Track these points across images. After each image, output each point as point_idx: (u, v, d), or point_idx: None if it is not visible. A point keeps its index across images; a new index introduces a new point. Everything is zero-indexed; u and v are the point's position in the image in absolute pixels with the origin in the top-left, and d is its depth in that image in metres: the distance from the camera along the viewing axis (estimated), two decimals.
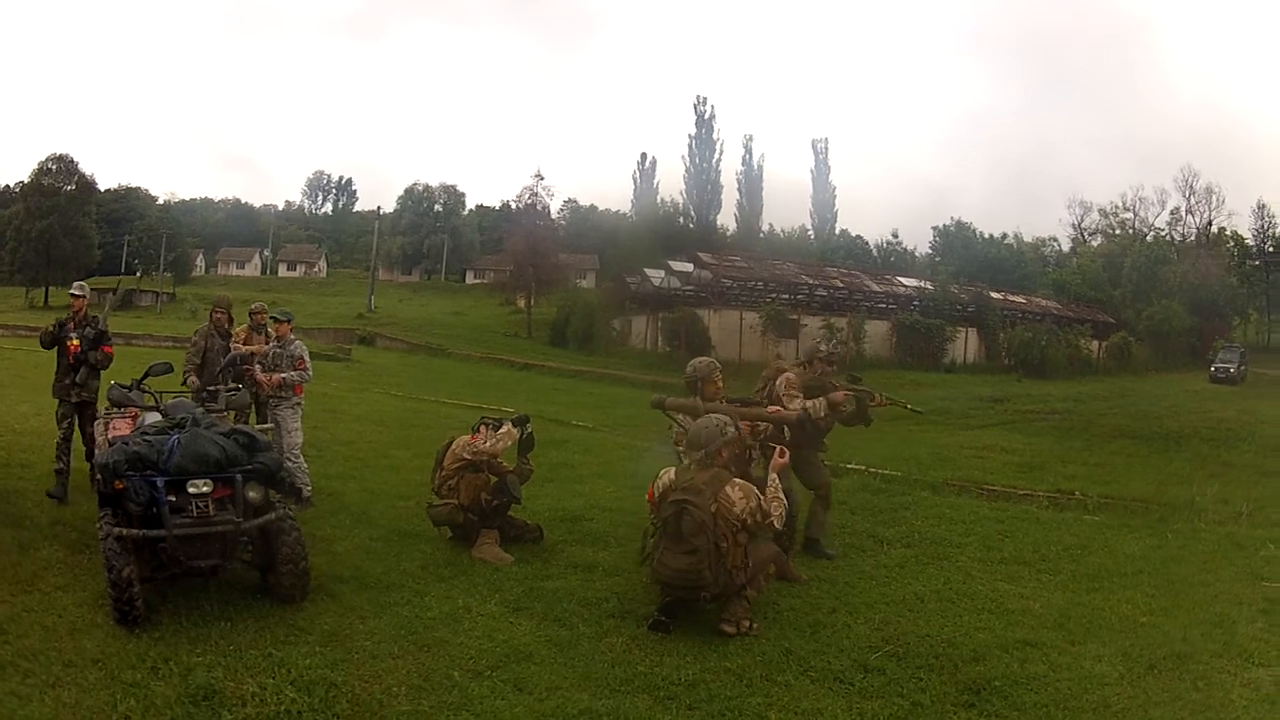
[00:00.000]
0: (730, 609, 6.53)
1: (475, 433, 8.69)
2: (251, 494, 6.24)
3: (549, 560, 8.13)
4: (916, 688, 5.69)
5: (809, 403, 8.29)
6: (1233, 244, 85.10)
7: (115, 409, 7.84)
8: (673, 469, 6.81)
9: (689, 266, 57.93)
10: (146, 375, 8.33)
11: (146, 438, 6.27)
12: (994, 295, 63.65)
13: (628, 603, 6.95)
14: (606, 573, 7.72)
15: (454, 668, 5.56)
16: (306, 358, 10.72)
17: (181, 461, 6.05)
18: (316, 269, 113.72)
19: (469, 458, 8.41)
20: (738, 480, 6.61)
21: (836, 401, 8.52)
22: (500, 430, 8.54)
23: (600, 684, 5.52)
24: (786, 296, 56.39)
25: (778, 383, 8.48)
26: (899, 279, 66.20)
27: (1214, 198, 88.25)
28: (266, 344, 11.98)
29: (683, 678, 5.67)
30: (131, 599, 5.63)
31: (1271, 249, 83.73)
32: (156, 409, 7.65)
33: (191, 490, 6.02)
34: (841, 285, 60.16)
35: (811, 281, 59.33)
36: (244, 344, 13.10)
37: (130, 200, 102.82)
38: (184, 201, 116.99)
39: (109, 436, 7.14)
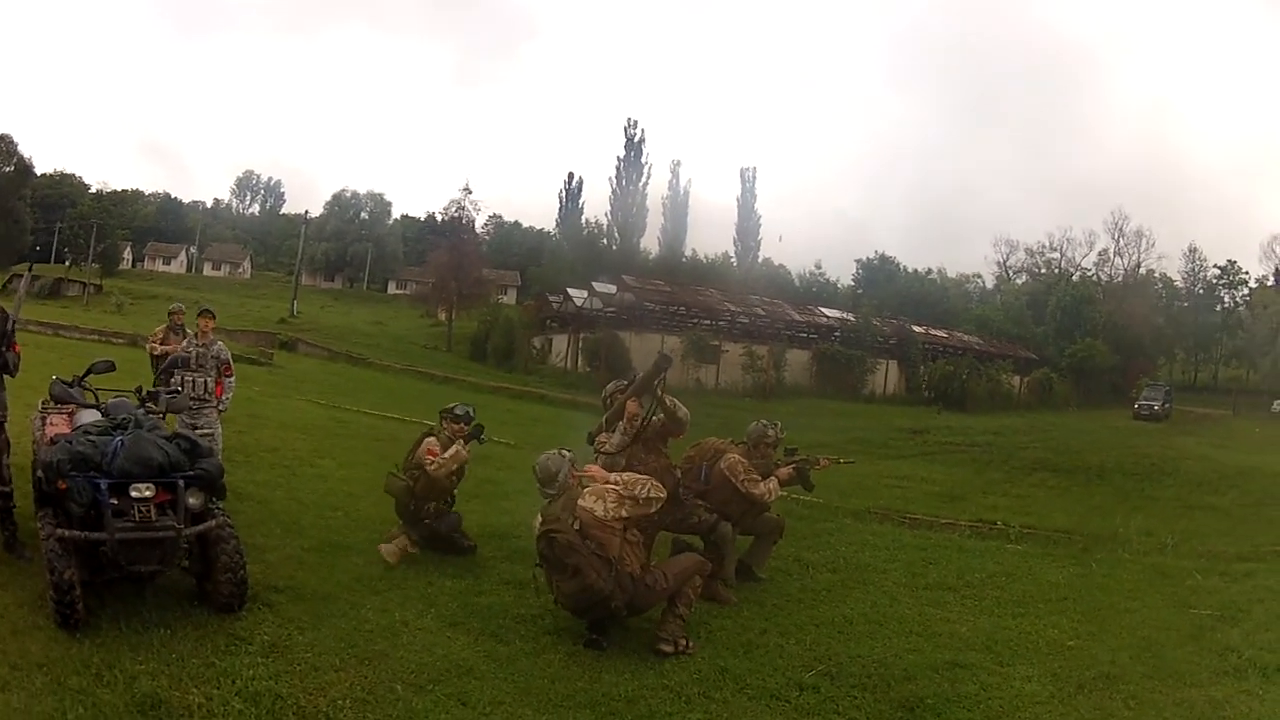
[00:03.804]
0: (665, 627, 6.64)
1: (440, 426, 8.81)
2: (192, 500, 6.15)
3: (481, 576, 8.14)
4: (851, 705, 5.85)
5: (770, 484, 8.44)
6: (1161, 285, 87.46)
7: (55, 405, 7.67)
8: (540, 512, 6.89)
9: (612, 288, 58.02)
10: (88, 372, 8.10)
11: (90, 437, 6.15)
12: (916, 329, 64.64)
13: (562, 619, 6.96)
14: (539, 589, 7.75)
15: (396, 681, 5.56)
16: (231, 362, 10.68)
17: (124, 464, 5.94)
18: (241, 270, 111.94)
19: (429, 472, 8.43)
20: (589, 489, 6.72)
21: (785, 480, 8.70)
22: (449, 453, 8.52)
23: (542, 700, 5.57)
24: (709, 322, 56.82)
25: (725, 465, 8.43)
26: (821, 310, 66.88)
27: (1144, 240, 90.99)
28: (184, 343, 11.87)
29: (622, 694, 5.75)
30: (73, 602, 5.55)
31: (1201, 291, 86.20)
32: (96, 407, 7.49)
33: (134, 494, 5.91)
34: (764, 313, 60.58)
35: (734, 308, 59.73)
36: (160, 344, 12.99)
37: (64, 187, 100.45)
38: (116, 192, 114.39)
39: (48, 434, 6.98)
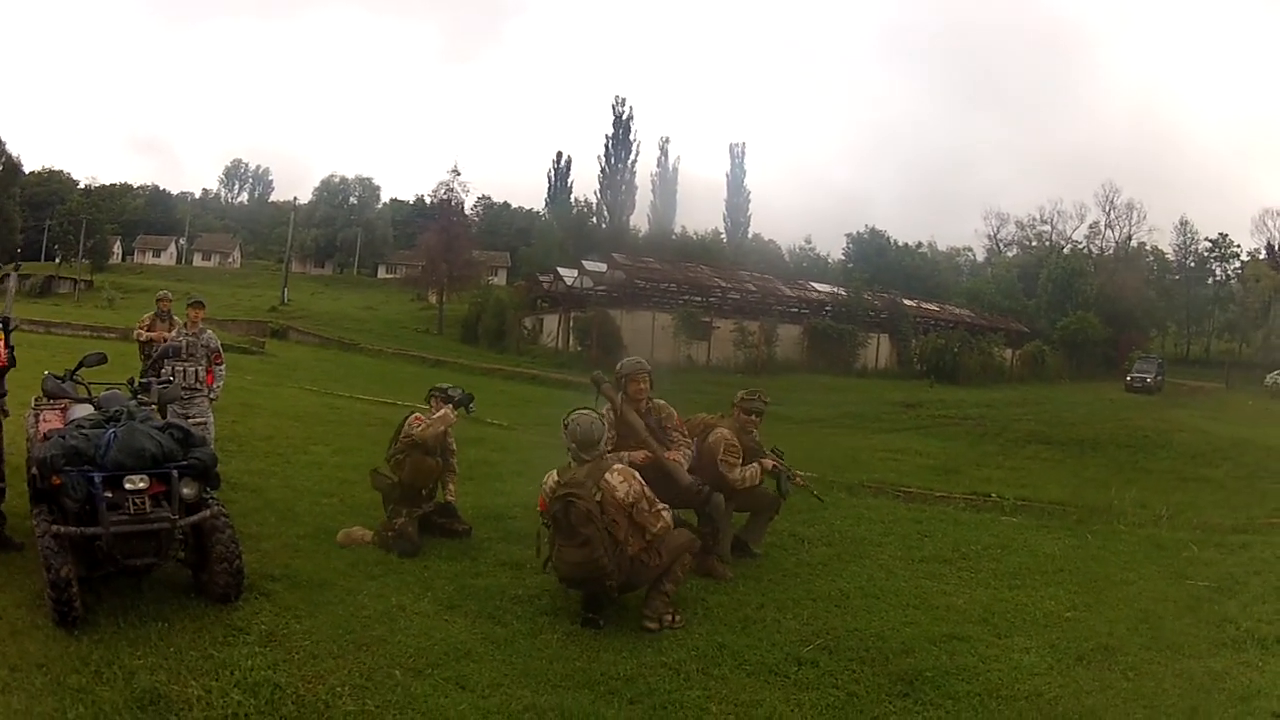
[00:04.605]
0: (651, 604, 6.64)
1: (429, 404, 8.81)
2: (186, 490, 6.11)
3: (477, 558, 8.12)
4: (850, 679, 5.85)
5: (747, 471, 8.33)
6: (1152, 258, 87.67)
7: (47, 400, 7.63)
8: (555, 471, 6.85)
9: (603, 267, 58.09)
10: (80, 366, 8.03)
11: (83, 431, 6.11)
12: (907, 303, 64.80)
13: (558, 599, 6.97)
14: (535, 570, 7.64)
15: (395, 666, 5.53)
16: (221, 350, 10.72)
17: (118, 456, 5.90)
18: (231, 259, 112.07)
19: (414, 436, 8.40)
20: (617, 466, 6.71)
21: (768, 470, 8.55)
22: (437, 414, 8.53)
23: (541, 680, 5.56)
24: (699, 299, 56.91)
25: (711, 440, 8.36)
26: (812, 284, 66.96)
27: (1135, 213, 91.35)
28: (171, 330, 11.93)
29: (620, 672, 5.74)
30: (70, 599, 5.49)
31: (1193, 264, 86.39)
32: (89, 401, 7.45)
33: (128, 486, 5.87)
34: (754, 289, 60.71)
35: (725, 285, 59.79)
36: (147, 330, 13.05)
37: (52, 184, 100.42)
38: (104, 186, 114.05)
39: (41, 430, 6.95)
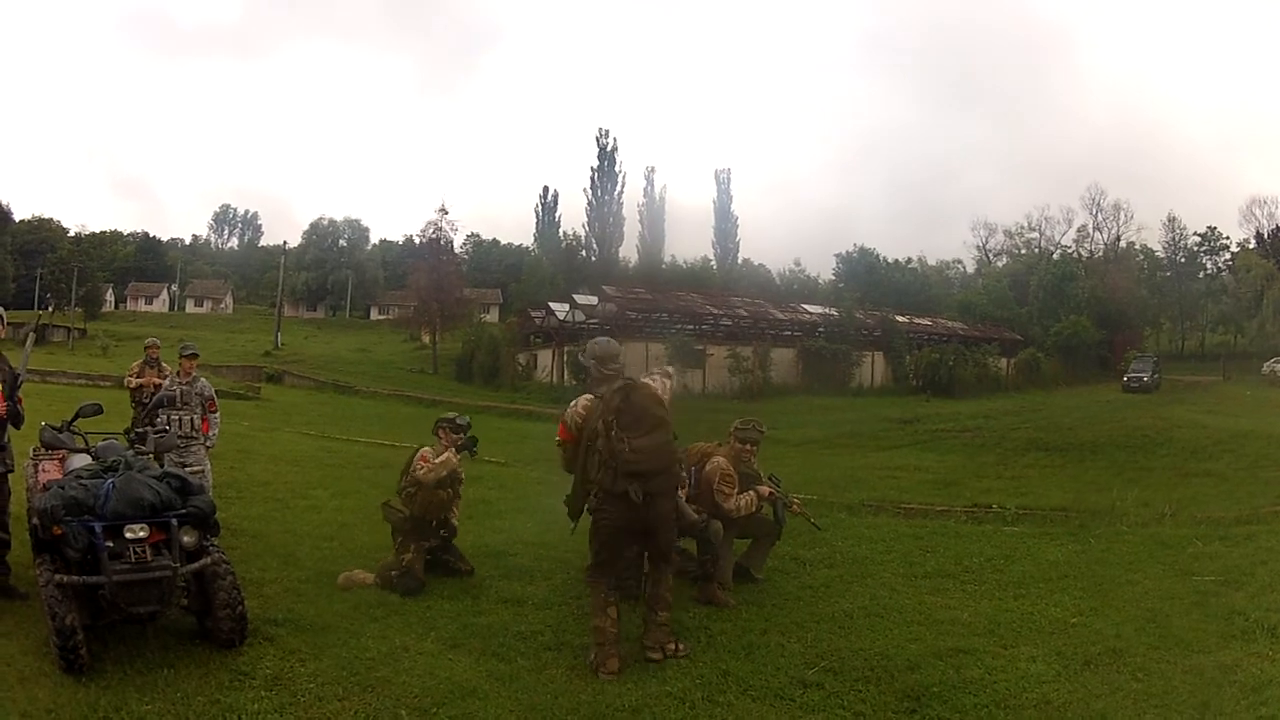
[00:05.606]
0: (650, 636, 6.65)
1: (436, 436, 8.79)
2: (186, 538, 6.14)
3: (479, 596, 8.10)
4: (857, 699, 5.85)
5: (742, 500, 8.32)
6: (1142, 257, 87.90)
7: (45, 451, 7.66)
8: (584, 397, 6.81)
9: (594, 300, 58.23)
10: (77, 416, 8.05)
11: (82, 481, 6.14)
12: (899, 319, 64.89)
13: (562, 635, 6.98)
14: (537, 606, 7.73)
15: (400, 707, 5.51)
16: (215, 398, 10.73)
17: (117, 506, 5.93)
18: (223, 305, 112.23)
19: (418, 478, 8.41)
20: (643, 375, 6.95)
21: (764, 497, 8.54)
22: (439, 460, 8.52)
23: (546, 715, 5.54)
24: (692, 327, 57.00)
25: (708, 469, 8.39)
26: (804, 306, 67.07)
27: (1122, 214, 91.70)
28: (161, 378, 11.99)
29: (626, 704, 5.72)
30: (76, 647, 5.51)
31: (1183, 260, 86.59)
32: (86, 451, 7.47)
33: (128, 535, 5.90)
34: (746, 314, 60.95)
35: (716, 311, 60.01)
36: (136, 377, 13.13)
37: (43, 232, 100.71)
38: (94, 234, 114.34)
39: (40, 480, 6.98)
